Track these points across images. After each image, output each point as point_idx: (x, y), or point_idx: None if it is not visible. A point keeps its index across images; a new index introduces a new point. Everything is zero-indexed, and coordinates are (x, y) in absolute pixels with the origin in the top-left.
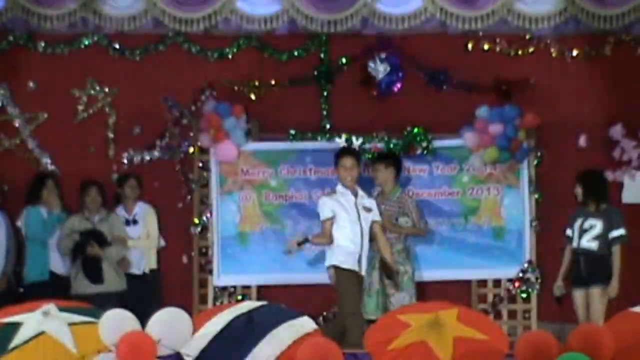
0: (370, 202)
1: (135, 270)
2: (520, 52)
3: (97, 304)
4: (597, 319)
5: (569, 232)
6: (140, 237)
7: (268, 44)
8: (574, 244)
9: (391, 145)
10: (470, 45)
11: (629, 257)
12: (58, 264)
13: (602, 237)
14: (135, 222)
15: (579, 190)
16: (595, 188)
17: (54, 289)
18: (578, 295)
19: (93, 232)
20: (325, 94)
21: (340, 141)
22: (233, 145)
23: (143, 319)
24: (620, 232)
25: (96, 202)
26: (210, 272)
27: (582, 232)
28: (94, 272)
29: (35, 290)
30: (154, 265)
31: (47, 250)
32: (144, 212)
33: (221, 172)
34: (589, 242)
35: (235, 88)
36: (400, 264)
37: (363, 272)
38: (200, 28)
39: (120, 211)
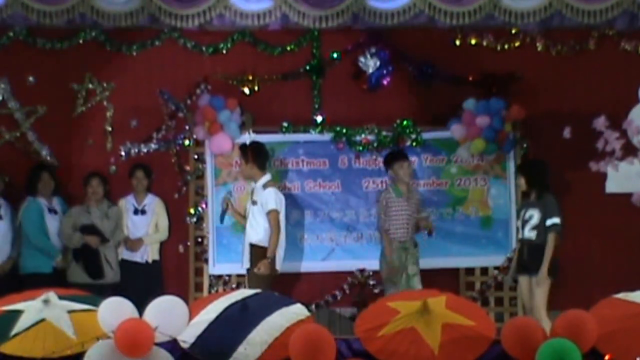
0: (260, 195)
1: (138, 258)
2: (506, 47)
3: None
4: (537, 305)
5: (517, 223)
6: (147, 230)
7: (261, 39)
8: (519, 235)
9: (381, 138)
10: (457, 40)
11: (612, 246)
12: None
13: (539, 227)
14: (143, 212)
15: (521, 181)
16: (537, 177)
17: (53, 280)
18: (521, 281)
19: (92, 228)
20: (317, 87)
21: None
22: (227, 138)
23: (144, 308)
24: (553, 220)
25: (97, 194)
26: (206, 261)
27: (524, 222)
28: (93, 267)
29: (34, 281)
30: (156, 256)
31: (47, 240)
32: (154, 204)
33: (216, 164)
34: (529, 232)
35: (230, 82)
36: None
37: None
38: (195, 24)
39: (131, 200)
